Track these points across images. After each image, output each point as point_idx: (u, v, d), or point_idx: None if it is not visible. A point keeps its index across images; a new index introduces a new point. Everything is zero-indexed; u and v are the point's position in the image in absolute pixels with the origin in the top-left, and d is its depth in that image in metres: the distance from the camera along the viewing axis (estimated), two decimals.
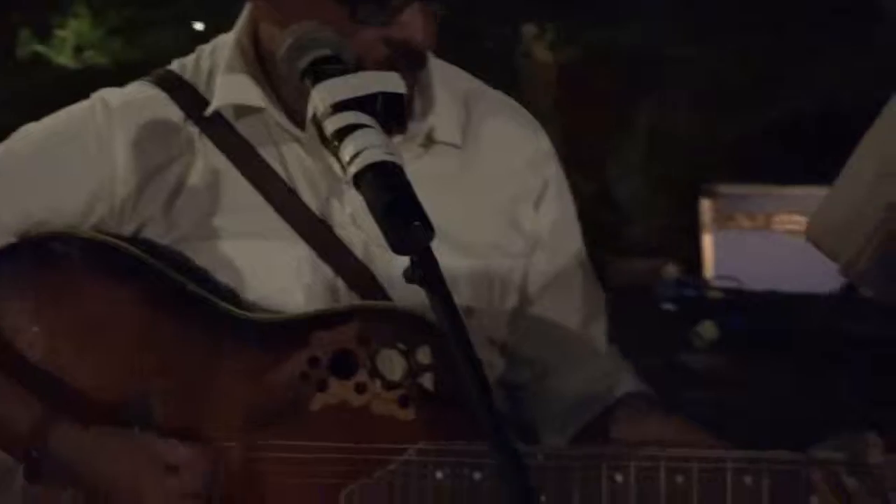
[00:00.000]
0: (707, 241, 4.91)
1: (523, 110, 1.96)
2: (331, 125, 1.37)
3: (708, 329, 3.16)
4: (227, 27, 1.87)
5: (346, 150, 1.33)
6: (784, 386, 1.52)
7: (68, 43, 8.69)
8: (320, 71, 1.46)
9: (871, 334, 3.76)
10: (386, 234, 1.26)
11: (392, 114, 1.43)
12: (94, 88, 1.92)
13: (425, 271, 1.26)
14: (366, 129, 1.35)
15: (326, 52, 1.49)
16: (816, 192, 5.05)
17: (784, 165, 5.09)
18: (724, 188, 4.95)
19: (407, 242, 1.26)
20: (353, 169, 1.31)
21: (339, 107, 1.38)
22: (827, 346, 3.59)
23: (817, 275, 4.49)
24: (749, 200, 4.94)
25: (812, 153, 5.20)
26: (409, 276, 1.26)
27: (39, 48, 8.69)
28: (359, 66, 1.51)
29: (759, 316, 4.04)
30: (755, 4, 7.00)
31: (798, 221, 4.85)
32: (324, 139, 1.48)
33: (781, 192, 4.92)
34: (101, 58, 8.82)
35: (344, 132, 1.35)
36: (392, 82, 1.46)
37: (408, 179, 1.31)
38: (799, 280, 4.43)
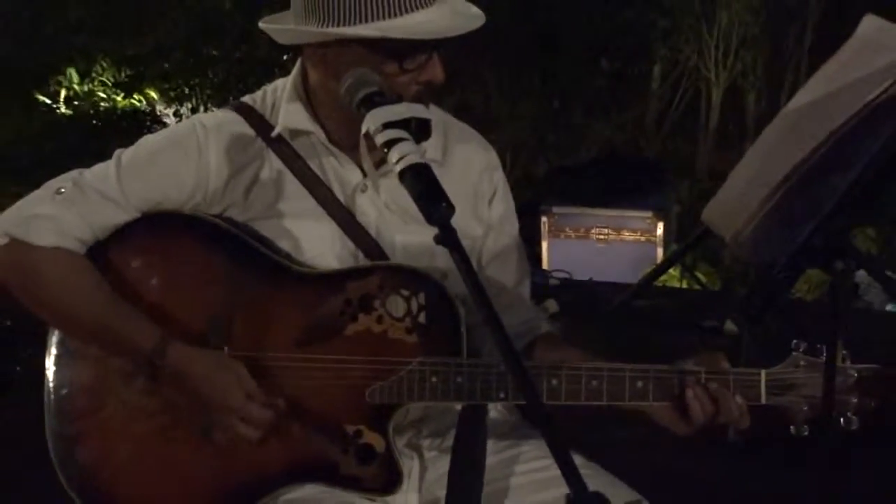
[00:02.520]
0: (545, 246, 5.28)
1: (478, 135, 2.12)
2: (381, 138, 1.57)
3: (550, 304, 3.49)
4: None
5: (393, 155, 1.54)
6: (599, 341, 1.80)
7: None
8: (372, 102, 1.65)
9: (651, 307, 4.28)
10: (422, 210, 1.47)
11: (421, 131, 1.62)
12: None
13: (448, 236, 1.45)
14: (406, 141, 1.55)
15: (375, 88, 1.68)
16: (618, 213, 5.58)
17: (595, 193, 5.49)
18: (557, 209, 5.30)
19: (437, 216, 1.46)
20: (398, 167, 1.52)
21: (387, 126, 1.58)
22: (626, 317, 3.97)
23: (618, 270, 5.04)
24: (573, 218, 5.31)
25: (614, 184, 5.64)
26: (439, 239, 1.46)
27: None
28: (397, 99, 1.69)
29: (582, 296, 4.48)
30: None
31: (606, 233, 5.33)
32: (373, 147, 1.64)
33: (595, 212, 5.34)
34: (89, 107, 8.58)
35: (391, 143, 1.55)
36: (421, 110, 1.65)
37: (434, 175, 1.51)
38: (607, 273, 4.93)
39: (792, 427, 1.82)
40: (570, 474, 1.30)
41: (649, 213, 5.37)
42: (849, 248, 1.91)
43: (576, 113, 7.86)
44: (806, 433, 1.81)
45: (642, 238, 5.37)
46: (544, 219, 5.34)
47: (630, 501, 1.31)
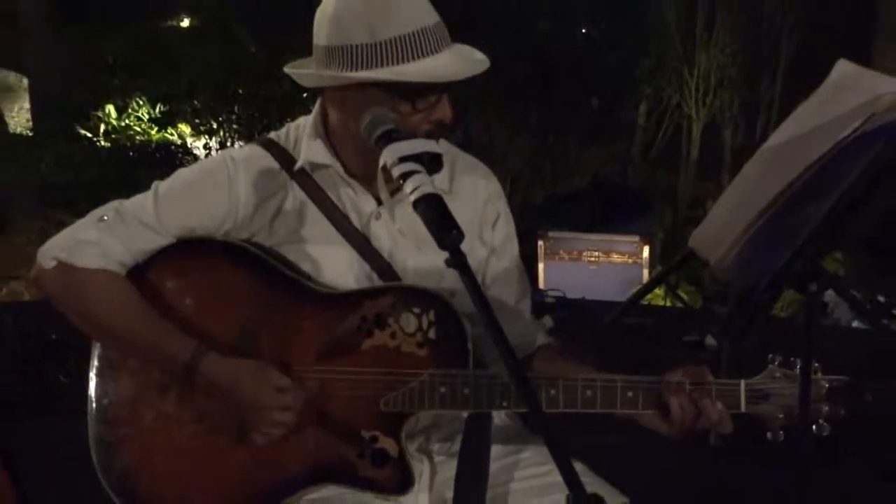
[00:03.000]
0: (541, 267, 5.27)
1: (483, 166, 2.11)
2: (397, 171, 1.59)
3: (546, 321, 3.47)
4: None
5: (409, 186, 1.56)
6: (592, 354, 1.79)
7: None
8: (389, 138, 1.67)
9: (638, 323, 4.28)
10: (435, 236, 1.49)
11: (433, 164, 1.64)
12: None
13: (458, 259, 1.48)
14: (419, 174, 1.57)
15: (391, 126, 1.70)
16: (607, 238, 5.59)
17: (587, 219, 5.51)
18: (552, 233, 5.30)
19: (448, 242, 1.48)
20: (413, 196, 1.54)
21: (403, 159, 1.60)
22: (615, 332, 3.97)
23: (608, 290, 5.04)
24: (567, 242, 5.30)
25: (604, 211, 5.65)
26: (450, 263, 1.48)
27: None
28: (412, 135, 1.71)
29: (575, 313, 4.49)
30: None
31: (596, 256, 5.34)
32: (389, 179, 1.70)
33: (586, 237, 5.33)
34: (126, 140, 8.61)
35: (406, 175, 1.57)
36: (432, 146, 1.68)
37: (446, 204, 1.53)
38: (597, 292, 4.91)
39: (769, 433, 1.82)
40: (570, 477, 1.30)
41: (636, 238, 5.36)
42: (821, 271, 1.93)
43: (569, 146, 7.88)
44: (782, 439, 1.81)
45: (629, 260, 5.36)
46: (540, 242, 5.34)
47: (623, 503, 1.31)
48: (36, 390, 3.65)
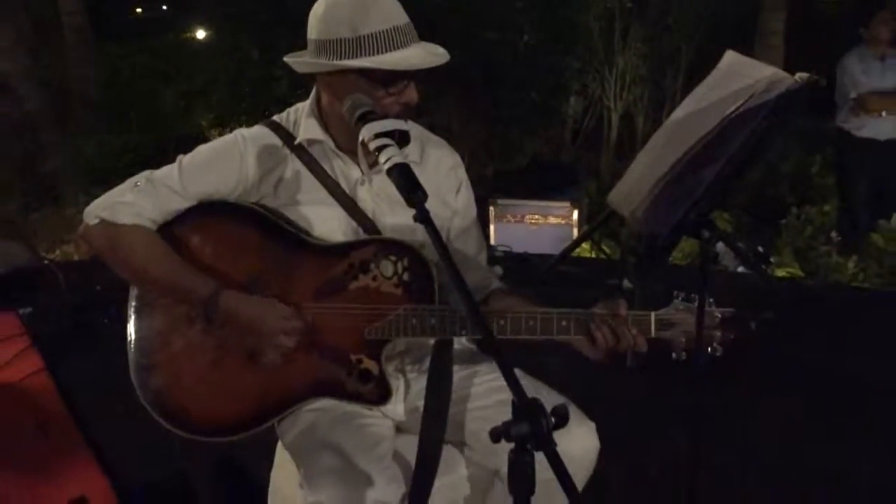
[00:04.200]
0: (492, 228, 5.28)
1: (447, 145, 2.07)
2: (373, 145, 1.58)
3: (497, 269, 3.50)
4: None
5: (382, 157, 1.55)
6: (533, 295, 1.81)
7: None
8: (366, 118, 1.66)
9: (570, 271, 4.31)
10: (404, 196, 1.48)
11: (402, 139, 1.65)
12: None
13: (423, 214, 1.46)
14: (391, 147, 1.57)
15: (368, 108, 1.70)
16: (544, 204, 5.61)
17: (528, 189, 5.51)
18: (500, 201, 5.31)
19: (415, 200, 1.46)
20: (386, 166, 1.53)
21: (378, 135, 1.59)
22: (552, 278, 3.99)
23: (545, 245, 5.08)
24: (512, 208, 5.31)
25: (541, 183, 5.65)
26: (417, 218, 1.46)
27: None
28: (384, 116, 1.70)
29: (519, 263, 4.52)
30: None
31: (536, 218, 5.35)
32: (367, 152, 1.64)
33: (527, 203, 5.33)
34: None
35: (380, 148, 1.57)
36: (401, 124, 1.68)
37: (413, 171, 1.51)
38: (537, 247, 4.94)
39: (674, 354, 1.83)
40: (514, 385, 1.30)
41: (567, 204, 5.36)
42: (712, 222, 1.95)
43: (513, 131, 7.89)
44: (683, 358, 1.82)
45: (562, 222, 5.37)
46: (491, 208, 5.33)
47: (557, 404, 1.31)
48: (84, 331, 3.62)
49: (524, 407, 1.26)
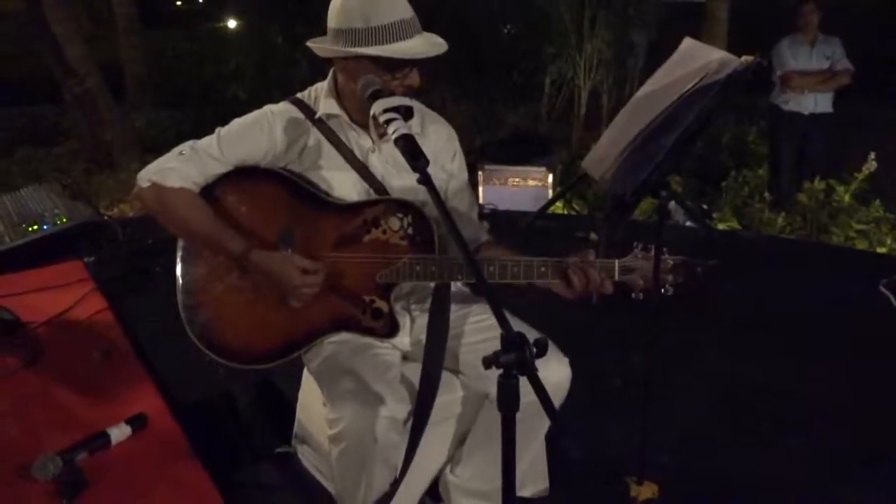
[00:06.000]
0: (480, 189, 5.25)
1: (444, 119, 2.05)
2: (382, 118, 1.57)
3: (485, 224, 3.47)
4: None
5: (391, 129, 1.54)
6: (516, 247, 1.78)
7: None
8: (377, 95, 1.65)
9: (546, 226, 4.30)
10: (409, 162, 1.47)
11: (408, 114, 1.61)
12: None
13: (425, 178, 1.45)
14: (398, 120, 1.55)
15: (378, 87, 1.68)
16: (524, 169, 5.58)
17: (510, 157, 5.47)
18: (488, 167, 5.27)
19: (418, 166, 1.45)
20: (394, 136, 1.52)
21: (386, 110, 1.58)
22: (531, 232, 3.98)
23: (526, 204, 5.07)
24: (497, 172, 5.27)
25: (522, 151, 5.60)
26: (420, 181, 1.45)
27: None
28: (391, 94, 1.69)
29: (504, 220, 4.51)
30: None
31: (517, 181, 5.33)
32: (377, 124, 1.64)
33: (510, 168, 5.30)
34: None
35: (389, 121, 1.55)
36: (406, 101, 1.65)
37: (416, 141, 1.50)
38: (518, 205, 4.91)
39: (633, 294, 1.82)
40: (502, 321, 1.30)
41: (543, 169, 5.33)
42: (668, 184, 1.93)
43: (497, 108, 7.84)
44: (641, 298, 1.82)
45: (540, 184, 5.34)
46: (480, 173, 5.29)
47: (537, 338, 1.31)
48: (139, 276, 3.61)
49: (511, 339, 1.26)
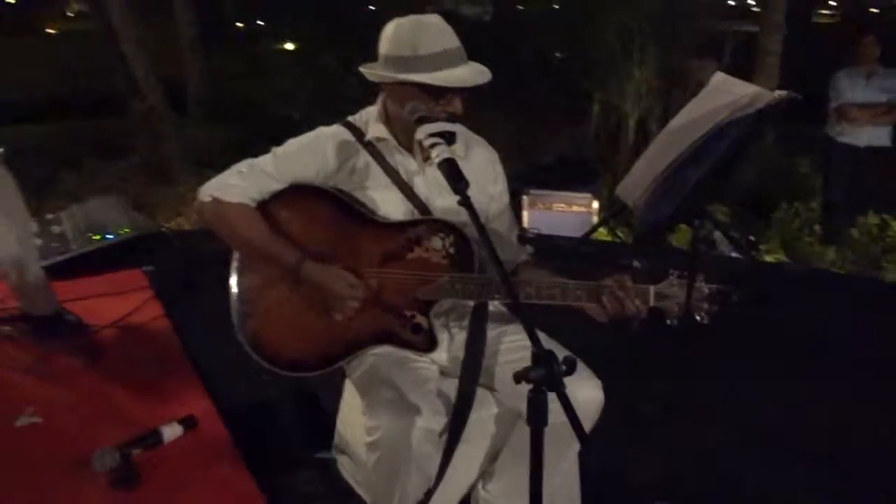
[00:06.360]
0: (525, 214, 5.28)
1: (487, 143, 2.07)
2: (427, 142, 1.62)
3: (529, 248, 3.48)
4: None
5: (434, 153, 1.59)
6: (557, 270, 1.78)
7: None
8: (422, 120, 1.69)
9: (589, 251, 4.30)
10: (451, 185, 1.53)
11: (451, 139, 1.65)
12: None
13: (466, 200, 1.51)
14: (442, 144, 1.60)
15: (424, 112, 1.73)
16: (569, 194, 5.60)
17: (556, 182, 5.48)
18: (532, 192, 5.31)
19: (459, 189, 1.51)
20: (437, 160, 1.57)
21: (431, 135, 1.63)
22: (574, 257, 3.97)
23: (569, 229, 5.07)
24: (542, 197, 5.30)
25: (567, 177, 5.61)
26: (461, 203, 1.50)
27: None
28: (436, 120, 1.72)
29: (548, 244, 4.53)
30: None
31: (562, 206, 5.35)
32: (422, 148, 1.69)
33: (555, 193, 5.32)
34: None
35: (433, 145, 1.60)
36: (450, 126, 1.69)
37: (458, 165, 1.55)
38: (562, 230, 4.92)
39: (668, 320, 1.81)
40: (534, 339, 1.34)
41: (588, 195, 5.35)
42: (704, 213, 1.94)
43: (542, 133, 7.88)
44: (676, 324, 1.80)
45: (584, 210, 5.35)
46: (525, 197, 5.33)
47: (567, 355, 1.35)
48: (194, 285, 3.73)
49: (541, 356, 1.30)
